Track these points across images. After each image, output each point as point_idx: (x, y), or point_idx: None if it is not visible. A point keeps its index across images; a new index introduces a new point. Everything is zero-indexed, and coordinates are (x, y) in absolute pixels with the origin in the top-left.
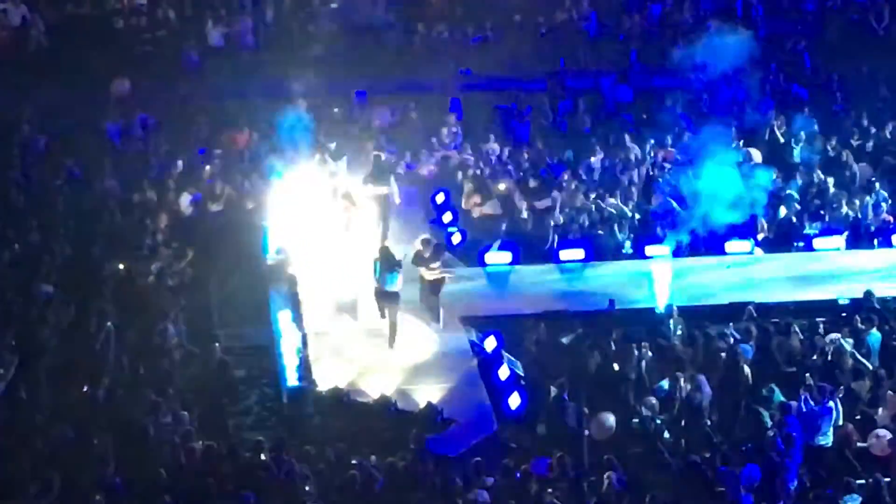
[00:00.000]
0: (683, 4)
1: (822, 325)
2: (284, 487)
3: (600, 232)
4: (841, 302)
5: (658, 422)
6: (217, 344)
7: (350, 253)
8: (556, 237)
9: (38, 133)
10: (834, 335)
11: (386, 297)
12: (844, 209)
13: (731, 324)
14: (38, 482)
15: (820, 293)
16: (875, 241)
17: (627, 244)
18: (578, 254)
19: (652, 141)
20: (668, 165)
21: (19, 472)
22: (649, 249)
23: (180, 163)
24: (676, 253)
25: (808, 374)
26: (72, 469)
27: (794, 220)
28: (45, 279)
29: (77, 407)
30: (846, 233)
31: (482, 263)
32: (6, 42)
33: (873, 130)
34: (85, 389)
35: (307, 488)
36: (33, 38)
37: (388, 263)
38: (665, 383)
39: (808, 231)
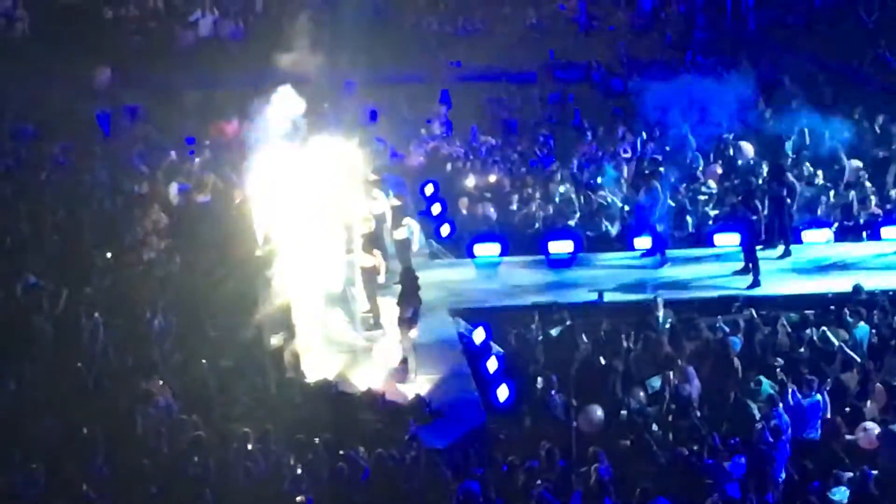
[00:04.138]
0: None
1: (811, 318)
2: (272, 478)
3: (589, 224)
4: (829, 295)
5: (646, 414)
6: (204, 335)
7: (340, 245)
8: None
9: (25, 122)
10: (822, 328)
11: (406, 323)
12: (833, 202)
13: (719, 316)
14: (24, 473)
15: (809, 286)
16: (864, 234)
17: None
18: (567, 245)
19: (642, 133)
20: (659, 158)
21: (7, 464)
22: (638, 242)
23: (173, 153)
24: (664, 246)
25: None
26: (60, 459)
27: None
28: (31, 269)
29: (65, 397)
30: (835, 225)
31: (471, 255)
32: None
33: (866, 124)
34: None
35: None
36: (19, 27)
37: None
38: (656, 380)
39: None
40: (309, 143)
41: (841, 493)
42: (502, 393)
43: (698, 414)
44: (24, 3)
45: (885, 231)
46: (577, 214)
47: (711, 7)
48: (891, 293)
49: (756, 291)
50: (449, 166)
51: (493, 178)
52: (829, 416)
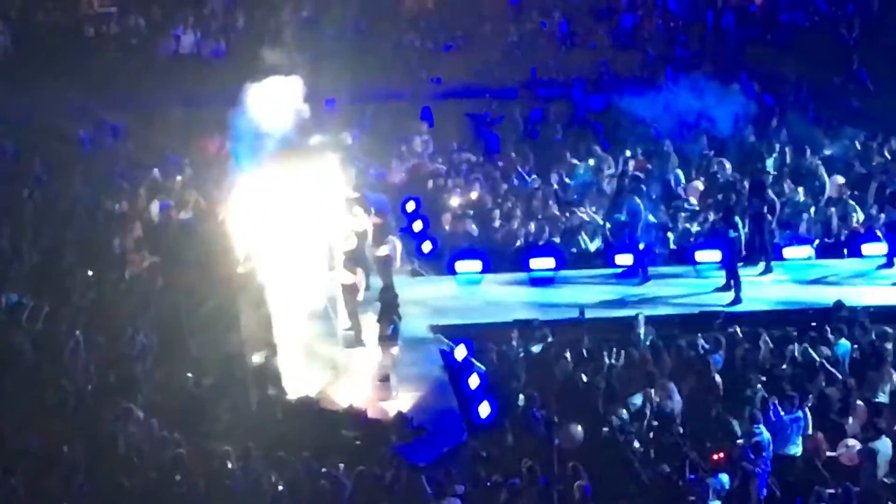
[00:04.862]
0: (654, 14)
1: (793, 334)
2: (253, 496)
3: (571, 241)
4: (811, 311)
5: (628, 431)
6: (186, 352)
7: (321, 262)
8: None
9: (5, 139)
10: (804, 344)
11: (387, 340)
12: (814, 218)
13: (700, 333)
14: (4, 488)
15: (790, 303)
16: (845, 251)
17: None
18: (549, 263)
19: (624, 151)
20: (640, 175)
21: None
22: (619, 258)
23: (157, 171)
24: (646, 262)
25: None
26: (40, 476)
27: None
28: (12, 287)
29: (46, 413)
30: (816, 242)
31: (452, 272)
32: None
33: (846, 141)
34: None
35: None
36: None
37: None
38: (638, 397)
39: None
40: (291, 161)
41: None
42: (484, 410)
43: (680, 430)
44: (5, 20)
45: (866, 247)
46: (559, 231)
47: (692, 24)
48: (871, 309)
49: (737, 308)
50: (430, 183)
51: (474, 195)
52: (810, 432)
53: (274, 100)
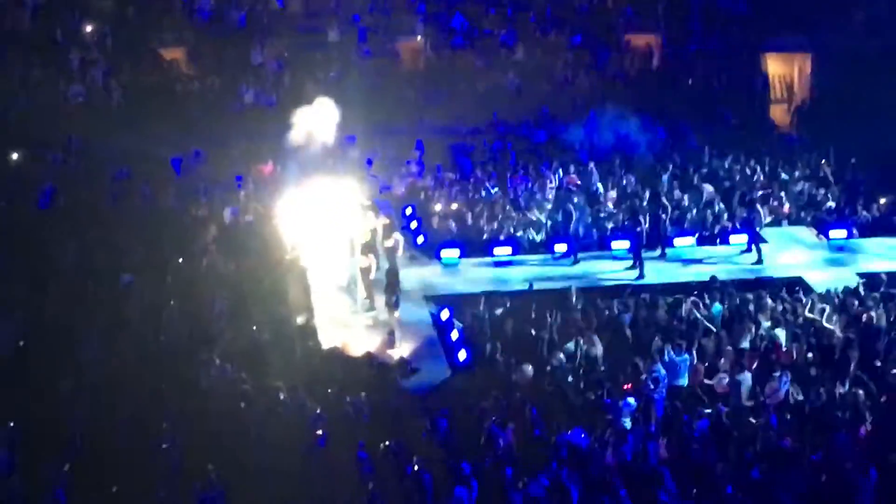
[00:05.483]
0: (580, 72)
1: (681, 299)
2: (298, 419)
3: (523, 234)
4: (693, 283)
5: (564, 369)
6: (249, 316)
7: (345, 251)
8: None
9: (121, 166)
10: (688, 306)
11: (392, 306)
12: (695, 218)
13: (615, 299)
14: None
15: (679, 277)
16: (717, 240)
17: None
18: (507, 250)
19: (560, 170)
20: (572, 188)
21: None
22: (557, 247)
23: (228, 186)
24: (576, 249)
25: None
26: (144, 408)
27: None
28: (127, 270)
29: (151, 361)
30: (697, 234)
31: (438, 257)
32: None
33: (716, 162)
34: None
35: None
36: (115, 96)
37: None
38: (571, 345)
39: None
40: (323, 180)
41: (703, 422)
42: (462, 356)
43: (601, 369)
44: (118, 80)
45: (733, 238)
46: (515, 227)
47: (608, 80)
48: (736, 282)
49: (641, 281)
50: (422, 195)
51: (453, 204)
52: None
53: (311, 136)
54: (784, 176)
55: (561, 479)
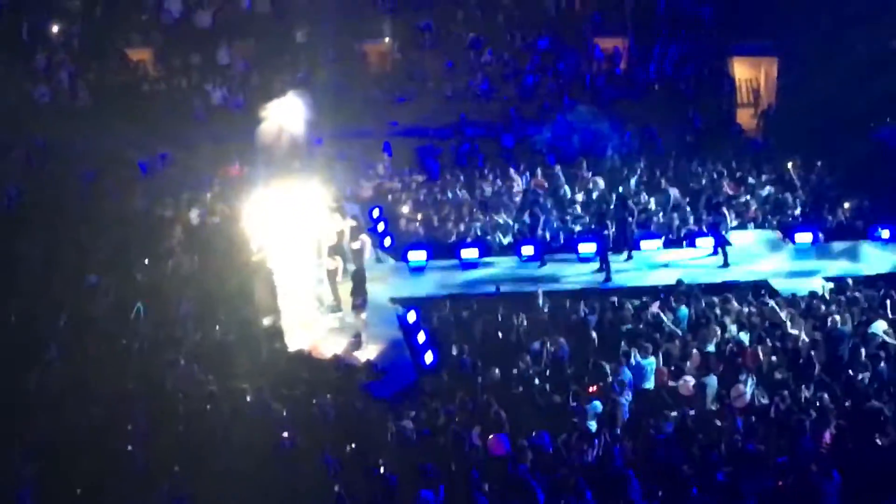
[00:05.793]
0: (548, 75)
1: (647, 302)
2: (264, 420)
3: (490, 237)
4: (660, 287)
5: (531, 372)
6: (216, 317)
7: (312, 252)
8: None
9: (87, 166)
10: (654, 309)
11: (358, 307)
12: (662, 221)
13: (581, 301)
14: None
15: (645, 280)
16: (683, 243)
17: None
18: (474, 252)
19: (527, 173)
20: (539, 190)
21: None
22: (524, 249)
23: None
24: (543, 252)
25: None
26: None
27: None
28: (92, 270)
29: (116, 362)
30: (663, 237)
31: (405, 259)
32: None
33: (683, 166)
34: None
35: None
36: (82, 97)
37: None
38: (537, 345)
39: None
40: (290, 181)
41: (668, 425)
42: (428, 357)
43: (568, 371)
44: (85, 81)
45: (699, 241)
46: (481, 230)
47: (575, 83)
48: (703, 285)
49: (608, 284)
50: (390, 197)
51: (421, 206)
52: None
53: (278, 137)
54: (750, 180)
55: (527, 481)
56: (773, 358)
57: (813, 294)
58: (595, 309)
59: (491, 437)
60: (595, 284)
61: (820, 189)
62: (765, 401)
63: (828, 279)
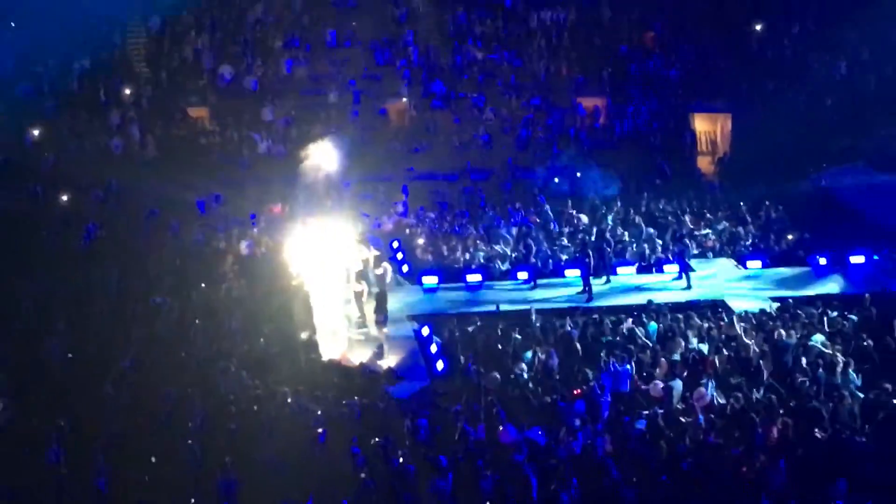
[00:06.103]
0: (540, 129)
1: (622, 318)
2: (302, 418)
3: (491, 264)
4: (633, 305)
5: (525, 377)
6: (261, 331)
7: (342, 277)
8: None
9: (154, 205)
10: (629, 324)
11: (380, 323)
12: (635, 251)
13: (568, 318)
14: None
15: (621, 301)
16: (653, 270)
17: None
18: (478, 277)
19: (522, 210)
20: (532, 225)
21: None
22: (519, 275)
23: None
24: (535, 276)
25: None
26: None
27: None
28: (157, 293)
29: (177, 371)
30: (636, 265)
31: (420, 283)
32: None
33: (653, 206)
34: (183, 355)
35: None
36: (150, 148)
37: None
38: (529, 354)
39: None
40: (324, 217)
41: (641, 423)
42: (440, 365)
43: (556, 377)
44: (152, 134)
45: (666, 267)
46: (484, 258)
47: (562, 135)
48: (670, 304)
49: (590, 304)
50: (407, 231)
51: (433, 238)
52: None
53: (313, 181)
54: (709, 216)
55: (523, 469)
56: (729, 365)
57: (762, 311)
58: (579, 324)
59: (501, 427)
60: (579, 303)
61: (767, 223)
62: (722, 401)
63: (774, 299)
